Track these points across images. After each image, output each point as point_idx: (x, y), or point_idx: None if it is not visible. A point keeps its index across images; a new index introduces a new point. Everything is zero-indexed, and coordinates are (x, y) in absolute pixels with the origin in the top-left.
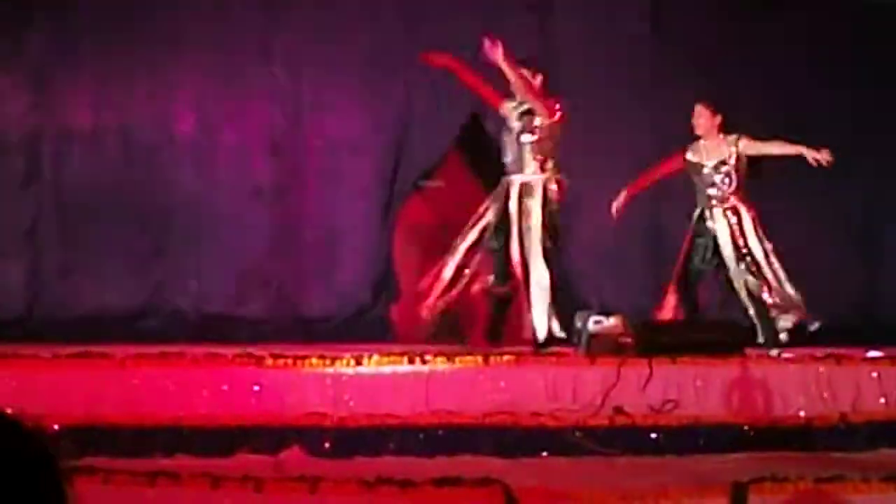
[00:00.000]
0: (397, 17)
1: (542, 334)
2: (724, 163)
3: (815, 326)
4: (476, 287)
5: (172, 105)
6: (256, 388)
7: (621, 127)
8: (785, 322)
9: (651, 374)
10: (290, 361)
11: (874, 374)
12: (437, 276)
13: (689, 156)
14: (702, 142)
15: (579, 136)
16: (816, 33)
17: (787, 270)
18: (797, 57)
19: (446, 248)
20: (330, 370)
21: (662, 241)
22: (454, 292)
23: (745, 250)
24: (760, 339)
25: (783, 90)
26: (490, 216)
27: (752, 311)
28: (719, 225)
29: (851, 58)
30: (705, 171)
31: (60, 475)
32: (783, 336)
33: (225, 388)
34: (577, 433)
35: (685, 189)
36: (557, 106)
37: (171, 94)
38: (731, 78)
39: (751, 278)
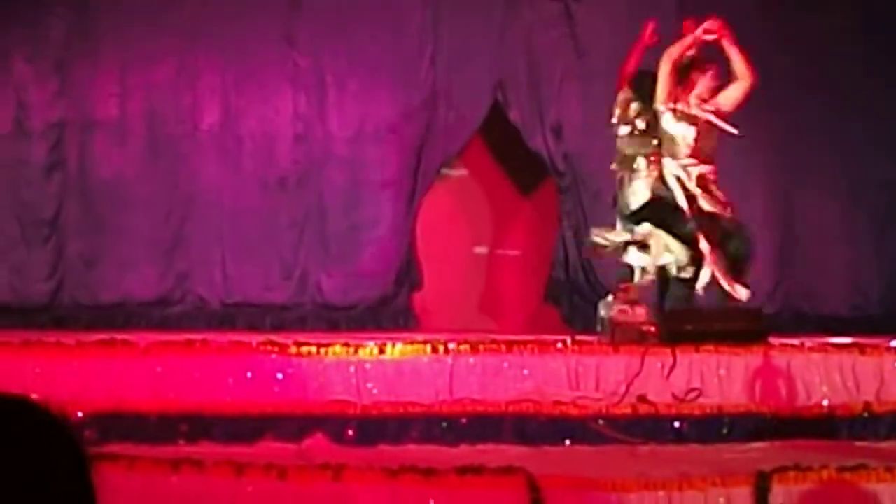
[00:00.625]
0: (421, 5)
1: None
2: None
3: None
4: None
5: (195, 94)
6: (280, 375)
7: None
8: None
9: (674, 362)
10: (313, 350)
11: None
12: None
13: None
14: None
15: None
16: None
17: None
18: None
19: (468, 238)
20: (353, 358)
21: None
22: None
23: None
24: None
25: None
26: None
27: None
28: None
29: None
30: None
31: (84, 462)
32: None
33: (249, 375)
34: (601, 421)
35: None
36: None
37: (194, 82)
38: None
39: None
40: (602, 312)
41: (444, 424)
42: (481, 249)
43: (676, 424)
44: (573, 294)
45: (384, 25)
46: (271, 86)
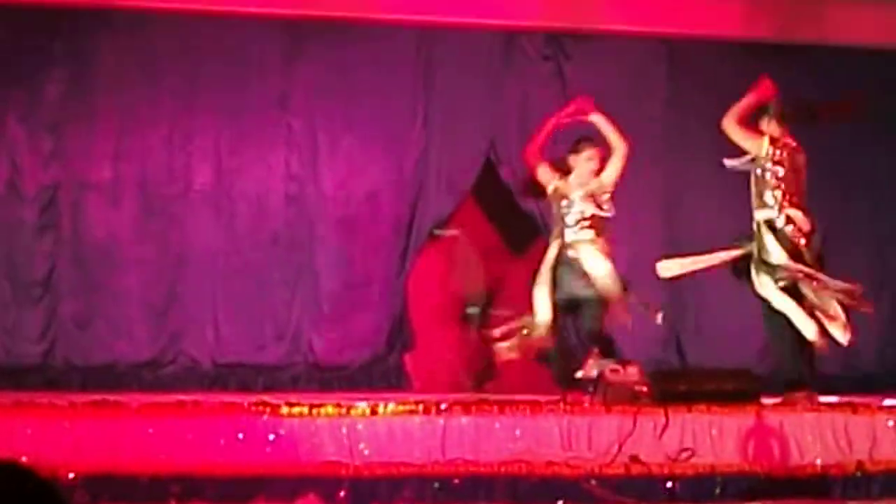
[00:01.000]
0: (414, 67)
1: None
2: None
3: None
4: None
5: (190, 155)
6: (272, 436)
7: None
8: None
9: (667, 422)
10: (305, 410)
11: (890, 423)
12: None
13: None
14: None
15: None
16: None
17: None
18: None
19: (461, 297)
20: (345, 419)
21: (678, 287)
22: None
23: None
24: None
25: None
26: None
27: None
28: None
29: None
30: None
31: None
32: None
33: (241, 436)
34: (593, 482)
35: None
36: None
37: (189, 144)
38: None
39: None
40: (594, 372)
41: (437, 485)
42: (473, 310)
43: (669, 485)
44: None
45: (377, 86)
46: (264, 146)
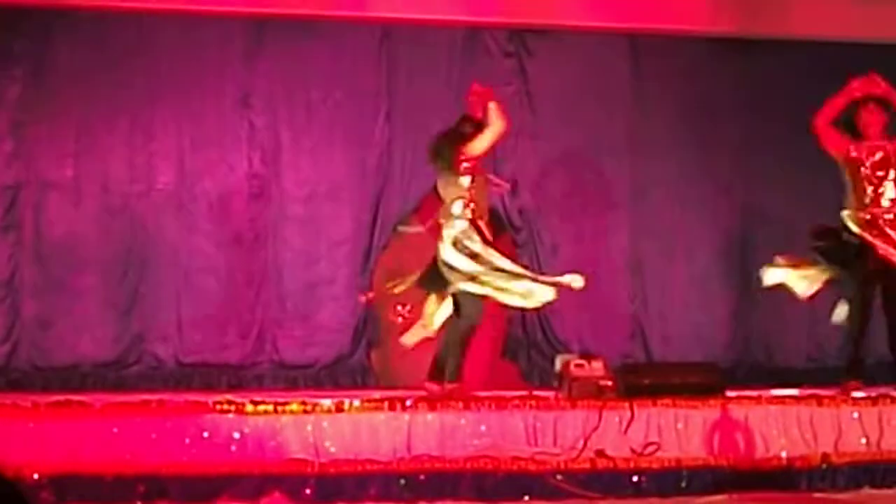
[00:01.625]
0: (376, 63)
1: None
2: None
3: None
4: None
5: (152, 154)
6: (237, 435)
7: (600, 165)
8: None
9: (632, 416)
10: (270, 408)
11: (855, 415)
12: None
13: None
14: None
15: (557, 175)
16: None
17: None
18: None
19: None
20: (310, 417)
21: (642, 282)
22: None
23: None
24: None
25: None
26: None
27: None
28: None
29: None
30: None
31: None
32: None
33: (205, 435)
34: (559, 477)
35: (665, 229)
36: None
37: (151, 143)
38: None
39: None
40: (559, 367)
41: (402, 482)
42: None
43: (635, 478)
44: (530, 349)
45: (339, 84)
46: (227, 145)
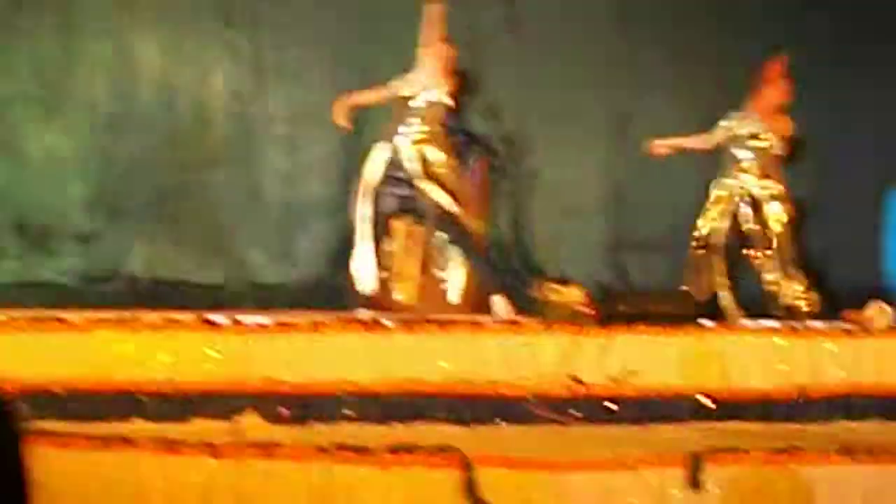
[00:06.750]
0: None
1: None
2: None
3: None
4: None
5: (132, 71)
6: (213, 353)
7: (582, 94)
8: None
9: (609, 343)
10: (246, 328)
11: (832, 347)
12: None
13: None
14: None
15: (539, 103)
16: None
17: None
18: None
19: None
20: (287, 337)
21: (620, 209)
22: None
23: None
24: None
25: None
26: None
27: None
28: None
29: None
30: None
31: (17, 438)
32: None
33: (182, 353)
34: (534, 402)
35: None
36: None
37: (131, 61)
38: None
39: None
40: (535, 293)
41: (378, 403)
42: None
43: (610, 405)
44: (508, 276)
45: (326, 4)
46: (207, 63)
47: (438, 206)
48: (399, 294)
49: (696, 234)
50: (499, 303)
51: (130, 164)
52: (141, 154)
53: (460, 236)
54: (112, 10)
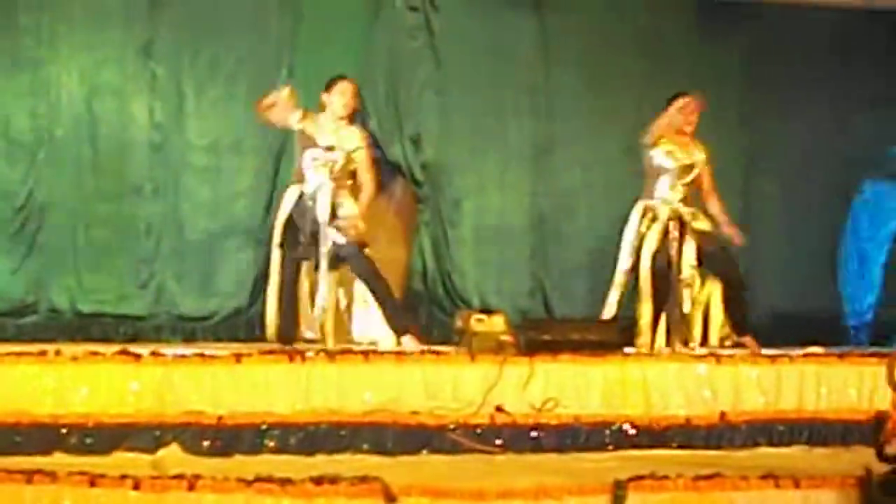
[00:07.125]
0: (280, 17)
1: None
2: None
3: None
4: None
5: (52, 102)
6: (135, 386)
7: (504, 123)
8: None
9: (532, 372)
10: (168, 360)
11: (753, 374)
12: None
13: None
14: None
15: (462, 131)
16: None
17: None
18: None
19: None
20: (209, 369)
21: (543, 238)
22: None
23: None
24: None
25: None
26: None
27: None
28: None
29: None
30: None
31: None
32: None
33: (103, 386)
34: (458, 431)
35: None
36: None
37: (52, 91)
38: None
39: None
40: (459, 322)
41: (301, 434)
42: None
43: (534, 434)
44: (431, 305)
45: (243, 33)
46: (128, 95)
47: (347, 249)
48: (308, 333)
49: (618, 260)
50: (408, 343)
51: (51, 195)
52: (62, 185)
53: (371, 277)
54: (32, 42)
